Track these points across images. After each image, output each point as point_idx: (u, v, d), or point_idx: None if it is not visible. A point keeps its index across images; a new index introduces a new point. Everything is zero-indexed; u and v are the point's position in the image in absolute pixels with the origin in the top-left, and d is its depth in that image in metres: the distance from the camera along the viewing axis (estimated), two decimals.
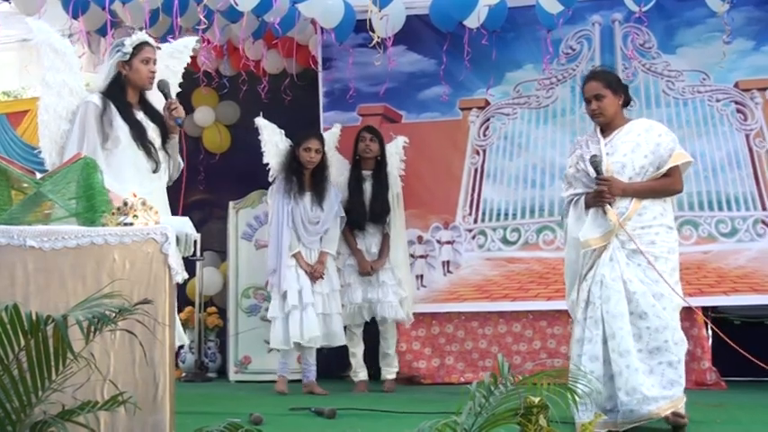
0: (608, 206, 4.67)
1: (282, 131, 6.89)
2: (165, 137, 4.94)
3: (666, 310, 4.61)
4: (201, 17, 6.44)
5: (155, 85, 4.97)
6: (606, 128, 4.87)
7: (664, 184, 4.76)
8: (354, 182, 6.86)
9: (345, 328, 6.89)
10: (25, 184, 3.77)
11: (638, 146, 4.76)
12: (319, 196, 6.72)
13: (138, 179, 4.66)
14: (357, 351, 6.88)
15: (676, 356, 4.58)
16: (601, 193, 4.67)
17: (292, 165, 6.74)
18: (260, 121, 6.88)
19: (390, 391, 6.72)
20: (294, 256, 6.65)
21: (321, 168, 6.77)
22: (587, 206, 4.77)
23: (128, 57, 4.82)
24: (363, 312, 6.82)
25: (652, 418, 4.52)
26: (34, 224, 3.61)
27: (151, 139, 4.83)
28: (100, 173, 3.89)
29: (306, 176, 6.75)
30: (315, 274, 6.65)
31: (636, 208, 4.68)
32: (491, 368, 7.02)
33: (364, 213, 6.80)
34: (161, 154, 4.88)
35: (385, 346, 6.90)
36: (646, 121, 5.03)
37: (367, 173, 6.89)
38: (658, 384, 4.54)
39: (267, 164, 6.81)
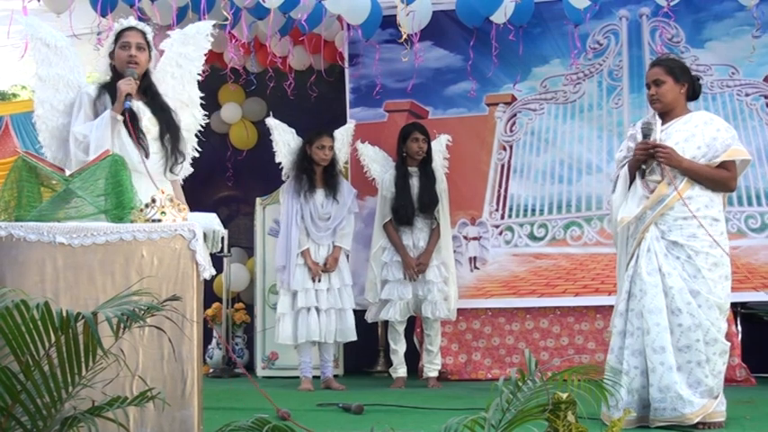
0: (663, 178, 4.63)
1: (294, 130, 6.94)
2: (168, 129, 4.75)
3: (702, 308, 4.53)
4: (228, 14, 6.46)
5: (173, 75, 4.92)
6: (665, 115, 4.79)
7: (721, 175, 4.68)
8: (401, 179, 6.86)
9: (387, 324, 6.96)
10: (54, 181, 3.80)
11: (692, 136, 4.69)
12: (332, 190, 6.79)
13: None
14: (399, 348, 6.88)
15: (705, 356, 4.52)
16: (644, 153, 4.65)
17: (303, 163, 6.81)
18: (271, 122, 6.94)
19: (435, 388, 6.72)
20: (302, 253, 6.70)
21: (332, 164, 6.85)
22: (630, 172, 4.74)
23: (112, 47, 4.76)
24: (409, 307, 6.84)
25: (683, 423, 4.46)
26: (63, 221, 3.64)
27: (144, 128, 4.66)
28: (128, 169, 3.91)
29: (317, 173, 6.82)
30: (326, 269, 6.71)
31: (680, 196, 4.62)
32: (518, 364, 7.02)
33: (412, 208, 6.79)
34: (156, 144, 4.69)
35: (428, 343, 6.90)
36: (706, 113, 4.96)
37: (413, 169, 6.90)
38: (685, 383, 4.50)
39: (279, 163, 6.89)
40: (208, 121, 5.06)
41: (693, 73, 4.91)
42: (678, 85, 4.76)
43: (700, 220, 4.57)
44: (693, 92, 4.86)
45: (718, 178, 4.69)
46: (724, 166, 4.69)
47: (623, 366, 4.60)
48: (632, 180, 4.77)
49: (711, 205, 4.68)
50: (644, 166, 4.71)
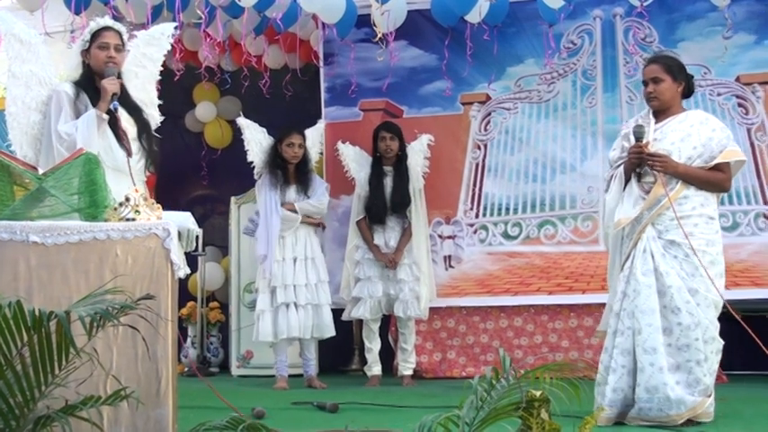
0: (657, 179, 4.62)
1: (264, 130, 6.95)
2: (144, 128, 4.76)
3: (700, 307, 4.54)
4: (203, 13, 6.44)
5: (136, 75, 4.88)
6: (660, 114, 4.80)
7: (716, 178, 4.70)
8: (375, 178, 6.88)
9: (362, 322, 6.97)
10: (27, 180, 3.77)
11: (688, 136, 4.70)
12: (305, 187, 6.81)
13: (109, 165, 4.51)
14: (373, 347, 6.91)
15: (704, 354, 4.53)
16: (638, 157, 4.64)
17: (276, 160, 6.82)
18: (242, 121, 6.97)
19: (410, 386, 6.74)
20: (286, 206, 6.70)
21: (304, 162, 6.86)
22: (626, 174, 4.73)
23: (87, 45, 4.70)
24: (382, 306, 6.85)
25: (668, 424, 4.48)
26: (37, 220, 3.62)
27: (124, 128, 4.64)
28: (102, 168, 3.89)
29: (290, 171, 6.84)
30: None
31: (676, 196, 4.61)
32: (492, 362, 7.03)
33: (385, 207, 6.82)
34: (135, 144, 4.69)
35: (403, 342, 6.92)
36: (702, 113, 4.97)
37: (388, 168, 6.93)
38: (684, 382, 4.51)
39: (251, 162, 6.89)
40: (163, 118, 5.04)
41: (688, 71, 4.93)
42: (676, 83, 4.78)
43: (683, 228, 4.57)
44: (688, 90, 4.88)
45: (714, 180, 4.71)
46: (719, 167, 4.69)
47: (611, 364, 4.62)
48: (627, 180, 4.77)
49: (707, 204, 4.71)
50: (638, 170, 4.71)
